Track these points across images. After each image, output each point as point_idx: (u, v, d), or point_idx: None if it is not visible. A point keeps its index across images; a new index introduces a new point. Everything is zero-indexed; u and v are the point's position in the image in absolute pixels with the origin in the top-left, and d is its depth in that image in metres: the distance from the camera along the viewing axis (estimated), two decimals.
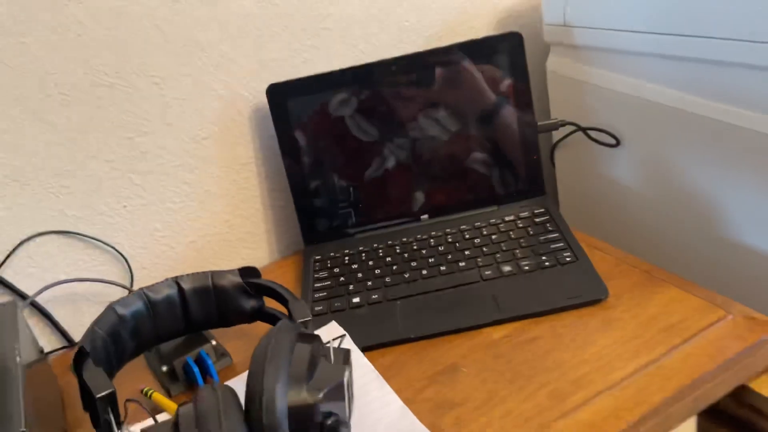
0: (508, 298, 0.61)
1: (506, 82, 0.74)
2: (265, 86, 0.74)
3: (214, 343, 0.62)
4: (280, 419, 0.40)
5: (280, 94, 0.73)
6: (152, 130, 0.72)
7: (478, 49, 0.73)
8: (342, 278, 0.69)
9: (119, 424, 0.47)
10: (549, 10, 0.79)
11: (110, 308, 0.55)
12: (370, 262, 0.71)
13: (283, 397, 0.41)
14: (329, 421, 0.43)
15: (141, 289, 0.58)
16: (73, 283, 0.72)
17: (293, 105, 0.74)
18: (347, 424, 0.43)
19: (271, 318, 0.61)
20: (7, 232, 0.68)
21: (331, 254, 0.74)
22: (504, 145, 0.76)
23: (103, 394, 0.46)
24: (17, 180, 0.67)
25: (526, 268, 0.64)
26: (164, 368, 0.60)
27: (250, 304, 0.61)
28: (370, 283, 0.67)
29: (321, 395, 0.43)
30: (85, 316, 0.74)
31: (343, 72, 0.74)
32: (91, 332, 0.52)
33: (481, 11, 0.87)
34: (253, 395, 0.41)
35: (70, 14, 0.64)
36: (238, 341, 0.65)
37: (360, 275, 0.69)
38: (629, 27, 0.69)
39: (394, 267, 0.69)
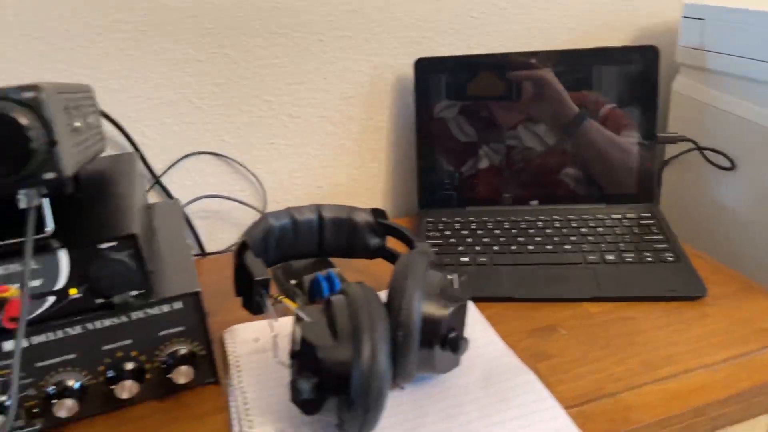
0: (609, 281, 0.66)
1: (636, 91, 0.79)
2: (411, 60, 0.82)
3: (337, 270, 0.70)
4: (415, 321, 0.48)
5: (426, 68, 0.81)
6: (310, 80, 0.81)
7: (615, 57, 0.79)
8: (452, 240, 0.76)
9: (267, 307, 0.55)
10: (686, 32, 0.84)
11: (264, 217, 0.64)
12: (479, 232, 0.77)
13: (419, 305, 0.48)
14: (451, 335, 0.50)
15: (289, 208, 0.66)
16: (214, 200, 0.83)
17: (436, 80, 0.81)
18: (466, 340, 0.50)
19: (392, 256, 0.68)
20: (175, 146, 0.79)
21: (443, 219, 0.81)
22: (622, 149, 0.81)
23: (260, 278, 0.55)
24: (192, 102, 0.78)
25: (629, 259, 0.69)
26: (292, 281, 0.69)
27: (375, 241, 0.68)
28: (478, 248, 0.74)
29: (448, 311, 0.50)
30: (218, 231, 0.84)
31: (487, 56, 0.81)
32: (249, 231, 0.61)
33: (616, 24, 0.92)
34: (394, 298, 0.49)
35: None
36: (354, 275, 0.73)
37: (469, 240, 0.76)
38: (765, 57, 0.73)
39: (502, 239, 0.75)
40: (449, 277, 0.55)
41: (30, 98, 0.40)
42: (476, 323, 0.61)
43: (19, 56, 0.69)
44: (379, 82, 0.84)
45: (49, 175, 0.42)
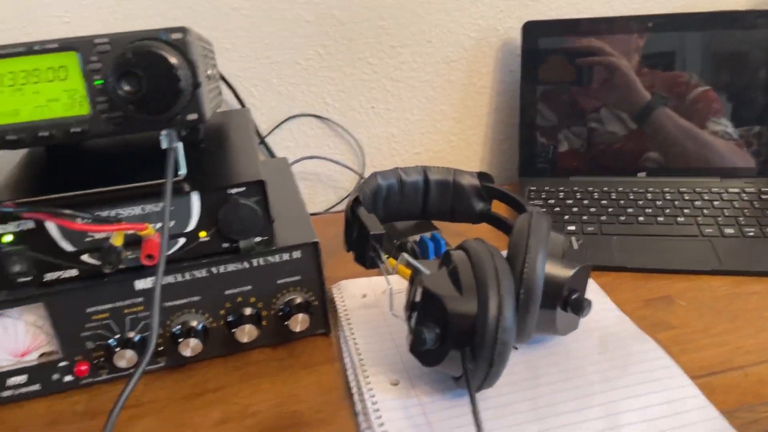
0: (729, 255, 0.63)
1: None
2: (517, 24, 0.80)
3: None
4: (538, 280, 0.47)
5: (534, 32, 0.79)
6: (414, 43, 0.80)
7: (736, 22, 0.74)
8: (557, 209, 0.74)
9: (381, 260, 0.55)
10: None
11: (374, 175, 0.64)
12: (585, 202, 0.75)
13: (542, 264, 0.47)
14: (573, 296, 0.48)
15: (396, 168, 0.66)
16: (313, 161, 0.84)
17: (543, 44, 0.79)
18: (590, 302, 0.48)
19: (497, 221, 0.67)
20: (281, 107, 0.80)
21: (546, 188, 0.79)
22: (744, 120, 0.76)
23: (376, 232, 0.55)
24: (299, 63, 0.78)
25: (750, 233, 0.65)
26: (396, 242, 0.69)
27: (480, 206, 0.67)
28: (585, 217, 0.72)
29: (571, 272, 0.48)
30: (317, 193, 0.85)
31: (597, 20, 0.77)
32: (360, 188, 0.62)
33: None
34: (516, 256, 0.48)
35: None
36: (456, 238, 0.72)
37: (575, 209, 0.73)
38: None
39: (609, 210, 0.73)
40: (570, 239, 0.54)
41: (178, 39, 0.42)
42: (590, 290, 0.59)
43: (141, 13, 0.72)
44: (484, 46, 0.83)
45: (192, 116, 0.43)
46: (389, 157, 0.86)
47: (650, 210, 0.71)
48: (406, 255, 0.51)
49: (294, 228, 0.55)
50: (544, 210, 0.74)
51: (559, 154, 0.81)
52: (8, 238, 0.46)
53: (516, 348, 0.52)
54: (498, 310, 0.43)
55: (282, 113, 0.80)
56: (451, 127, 0.86)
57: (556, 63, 0.79)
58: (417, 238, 0.68)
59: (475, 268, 0.46)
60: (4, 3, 0.68)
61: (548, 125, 0.81)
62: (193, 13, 0.73)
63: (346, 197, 0.87)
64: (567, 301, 0.48)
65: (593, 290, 0.59)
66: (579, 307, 0.48)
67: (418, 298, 0.47)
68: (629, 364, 0.49)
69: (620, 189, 0.76)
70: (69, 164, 0.55)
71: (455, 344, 0.44)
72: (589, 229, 0.70)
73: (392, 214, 0.67)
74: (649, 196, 0.74)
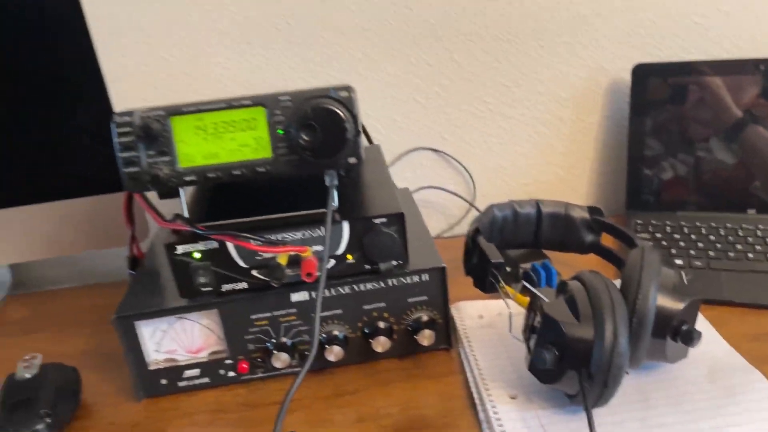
0: None
1: None
2: (627, 65, 0.85)
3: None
4: (650, 310, 0.51)
5: (644, 74, 0.83)
6: (526, 83, 0.87)
7: None
8: (663, 243, 0.77)
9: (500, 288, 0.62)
10: None
11: (491, 208, 0.71)
12: (693, 236, 0.78)
13: (655, 295, 0.52)
14: (683, 327, 0.53)
15: (511, 200, 0.72)
16: (429, 190, 0.91)
17: (653, 85, 0.83)
18: (700, 333, 0.52)
19: (606, 253, 0.71)
20: (401, 140, 0.88)
21: (653, 221, 0.82)
22: None
23: (496, 261, 0.61)
24: (418, 101, 0.87)
25: None
26: (508, 269, 0.75)
27: (589, 238, 0.72)
28: (692, 252, 0.75)
29: (682, 305, 0.53)
30: (431, 219, 0.93)
31: (707, 63, 0.81)
32: (479, 219, 0.69)
33: None
34: (629, 286, 0.53)
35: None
36: (564, 268, 0.77)
37: (682, 244, 0.76)
38: None
39: (718, 245, 0.75)
40: (681, 273, 0.58)
41: (345, 96, 0.50)
42: (699, 322, 0.62)
43: (283, 58, 0.82)
44: (593, 85, 0.88)
45: (352, 160, 0.52)
46: (499, 188, 0.92)
47: (760, 247, 0.73)
48: (526, 283, 0.57)
49: (422, 253, 0.63)
50: (651, 243, 0.78)
51: (666, 188, 0.85)
52: (197, 255, 0.56)
53: (627, 373, 0.57)
54: (613, 337, 0.48)
55: (402, 147, 0.88)
56: (559, 161, 0.91)
57: (665, 102, 0.83)
58: (528, 265, 0.73)
59: (591, 298, 0.51)
60: (176, 49, 0.81)
61: (655, 160, 0.84)
62: (328, 59, 0.83)
63: (456, 224, 0.93)
64: (677, 331, 0.53)
65: (701, 322, 0.62)
66: (689, 338, 0.52)
67: (537, 322, 0.53)
68: (737, 393, 0.53)
69: (728, 225, 0.79)
70: (236, 196, 0.66)
71: (572, 365, 0.50)
72: (696, 263, 0.73)
73: (506, 243, 0.73)
74: (759, 233, 0.76)
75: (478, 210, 0.89)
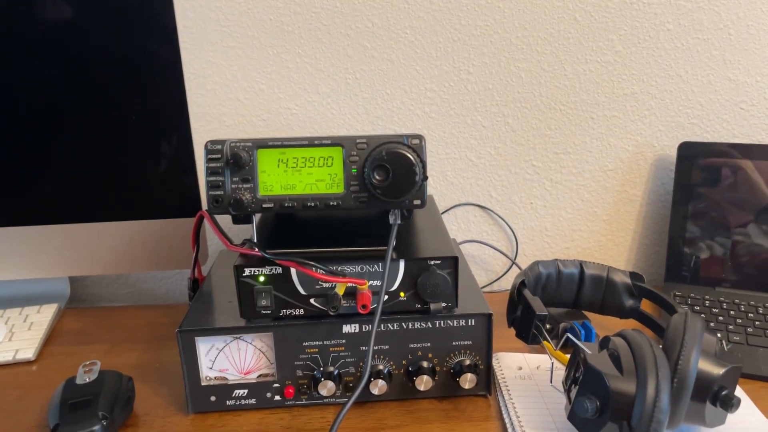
0: None
1: None
2: (673, 143, 0.89)
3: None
4: (692, 371, 0.53)
5: (688, 151, 0.86)
6: (575, 151, 0.91)
7: None
8: (702, 315, 0.79)
9: (546, 339, 0.64)
10: None
11: (536, 264, 0.74)
12: (732, 312, 0.79)
13: (696, 359, 0.54)
14: (723, 393, 0.54)
15: (556, 259, 0.75)
16: (473, 244, 0.95)
17: (697, 163, 0.86)
18: (739, 400, 0.54)
19: (645, 319, 0.73)
20: (450, 195, 0.93)
21: (692, 295, 0.84)
22: None
23: (540, 313, 0.64)
24: (471, 160, 0.91)
25: None
26: (548, 326, 0.77)
27: (629, 302, 0.74)
28: (731, 327, 0.76)
29: (723, 370, 0.54)
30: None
31: (751, 146, 0.84)
32: (525, 273, 0.72)
33: None
34: (671, 348, 0.55)
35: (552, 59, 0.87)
36: (602, 331, 0.79)
37: (720, 318, 0.78)
38: None
39: (756, 323, 0.76)
40: (722, 341, 0.59)
41: (416, 144, 0.55)
42: (736, 391, 0.63)
43: (349, 110, 0.88)
44: (639, 159, 0.91)
45: (417, 202, 0.56)
46: (540, 249, 0.95)
47: None
48: (570, 335, 0.60)
49: (469, 300, 0.66)
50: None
51: (706, 264, 0.86)
52: (262, 279, 0.60)
53: None
54: (656, 393, 0.50)
55: (451, 200, 0.93)
56: (601, 228, 0.94)
57: (708, 181, 0.86)
58: (568, 324, 0.75)
59: (635, 354, 0.53)
60: (252, 96, 0.87)
61: (696, 237, 0.87)
62: (390, 114, 0.89)
63: (496, 280, 0.96)
64: (717, 396, 0.54)
65: (739, 393, 0.63)
66: (728, 403, 0.54)
67: (579, 374, 0.55)
68: None
69: (767, 304, 0.80)
70: (298, 229, 0.70)
71: (613, 417, 0.51)
72: (735, 338, 0.74)
73: (547, 300, 0.76)
74: None
75: (519, 267, 0.92)
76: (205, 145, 0.55)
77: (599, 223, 0.94)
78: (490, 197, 0.93)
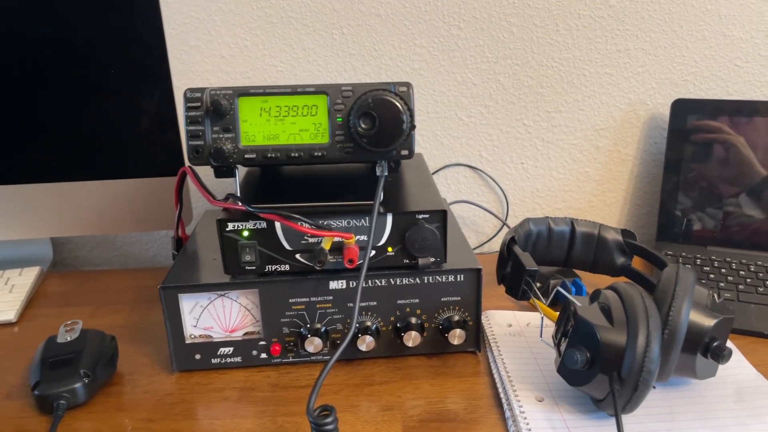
0: None
1: None
2: (666, 100, 0.87)
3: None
4: (682, 323, 0.52)
5: (682, 109, 0.85)
6: (568, 110, 0.89)
7: None
8: None
9: (536, 294, 0.63)
10: None
11: (526, 221, 0.73)
12: (722, 270, 0.78)
13: (688, 309, 0.53)
14: (714, 344, 0.53)
15: (547, 216, 0.74)
16: (462, 205, 0.93)
17: (691, 121, 0.85)
18: (730, 351, 0.53)
19: (637, 276, 0.72)
20: (440, 155, 0.91)
21: (683, 254, 0.83)
22: None
23: (531, 269, 0.63)
24: (462, 119, 0.90)
25: None
26: (538, 284, 0.76)
27: (621, 260, 0.73)
28: (722, 284, 0.75)
29: (714, 321, 0.53)
30: None
31: (748, 103, 0.82)
32: (515, 230, 0.70)
33: None
34: (663, 299, 0.54)
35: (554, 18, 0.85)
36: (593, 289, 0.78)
37: (712, 276, 0.77)
38: None
39: (748, 280, 0.76)
40: (713, 294, 0.59)
41: (403, 91, 0.53)
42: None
43: (336, 66, 0.86)
44: (632, 118, 0.90)
45: (404, 152, 0.54)
46: (531, 210, 0.94)
47: None
48: (560, 289, 0.59)
49: (458, 256, 0.64)
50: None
51: (698, 223, 0.86)
52: (246, 234, 0.58)
53: (654, 387, 0.57)
54: (646, 343, 0.49)
55: (441, 161, 0.91)
56: (592, 189, 0.93)
57: (701, 140, 0.84)
58: (558, 282, 0.75)
59: (625, 305, 0.53)
60: (236, 53, 0.85)
61: (689, 196, 0.86)
62: (378, 70, 0.86)
63: (486, 242, 0.95)
64: (708, 347, 0.54)
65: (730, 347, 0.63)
66: (719, 354, 0.53)
67: (570, 326, 0.54)
68: (763, 414, 0.53)
69: (759, 263, 0.79)
70: (284, 183, 0.68)
71: (603, 369, 0.51)
72: (726, 295, 0.73)
73: (537, 258, 0.74)
74: None
75: (510, 228, 0.91)
76: (184, 93, 0.53)
77: (591, 184, 0.93)
78: (481, 157, 0.91)
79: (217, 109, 0.53)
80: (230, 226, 0.58)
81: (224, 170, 0.57)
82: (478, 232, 0.95)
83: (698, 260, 0.81)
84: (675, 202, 0.87)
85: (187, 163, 0.65)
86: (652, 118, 0.90)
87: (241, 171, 0.71)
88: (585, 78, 0.88)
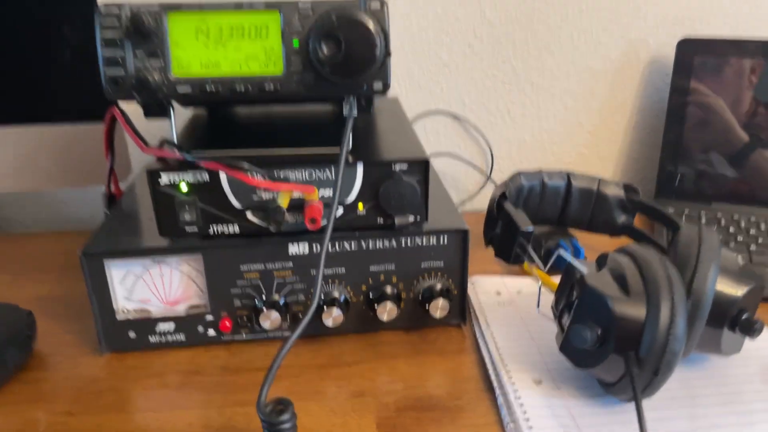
0: None
1: None
2: (670, 40, 0.77)
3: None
4: (708, 293, 0.44)
5: (689, 49, 0.76)
6: (560, 51, 0.79)
7: None
8: None
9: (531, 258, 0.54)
10: None
11: (518, 174, 0.63)
12: (731, 228, 0.71)
13: (714, 278, 0.45)
14: (743, 316, 0.45)
15: (541, 170, 0.65)
16: (442, 159, 0.83)
17: (698, 62, 0.76)
18: (762, 324, 0.45)
19: (640, 236, 0.64)
20: (418, 101, 0.80)
21: (686, 211, 0.75)
22: None
23: (525, 229, 0.54)
24: (442, 58, 0.79)
25: None
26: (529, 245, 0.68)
27: (622, 218, 0.65)
28: (731, 244, 0.68)
29: (744, 291, 0.45)
30: None
31: (759, 42, 0.74)
32: (505, 185, 0.61)
33: None
34: (685, 266, 0.45)
35: None
36: (590, 252, 0.69)
37: (720, 236, 0.69)
38: None
39: (759, 240, 0.68)
40: (739, 257, 0.51)
41: (376, 10, 0.42)
42: None
43: None
44: (632, 59, 0.80)
45: (378, 85, 0.44)
46: (518, 164, 0.85)
47: None
48: (562, 252, 0.50)
49: (442, 215, 0.55)
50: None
51: (703, 177, 0.78)
52: (184, 188, 0.48)
53: None
54: (670, 317, 0.41)
55: (419, 107, 0.81)
56: (585, 140, 0.84)
57: (710, 84, 0.76)
58: (554, 243, 0.66)
59: (643, 272, 0.44)
60: None
61: (694, 148, 0.77)
62: None
63: (468, 199, 0.86)
64: (736, 320, 0.46)
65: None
66: (750, 328, 0.45)
67: (575, 297, 0.45)
68: None
69: None
70: (233, 127, 0.57)
71: (617, 348, 0.42)
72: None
73: (529, 216, 0.66)
74: None
75: (495, 184, 0.82)
76: (96, 9, 0.42)
77: (583, 135, 0.84)
78: (463, 104, 0.81)
79: (140, 29, 0.41)
80: (164, 177, 0.47)
81: (155, 108, 0.46)
82: (459, 189, 0.86)
83: (704, 219, 0.73)
84: (678, 154, 0.78)
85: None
86: (654, 61, 0.81)
87: (183, 114, 0.59)
88: (581, 13, 0.78)
